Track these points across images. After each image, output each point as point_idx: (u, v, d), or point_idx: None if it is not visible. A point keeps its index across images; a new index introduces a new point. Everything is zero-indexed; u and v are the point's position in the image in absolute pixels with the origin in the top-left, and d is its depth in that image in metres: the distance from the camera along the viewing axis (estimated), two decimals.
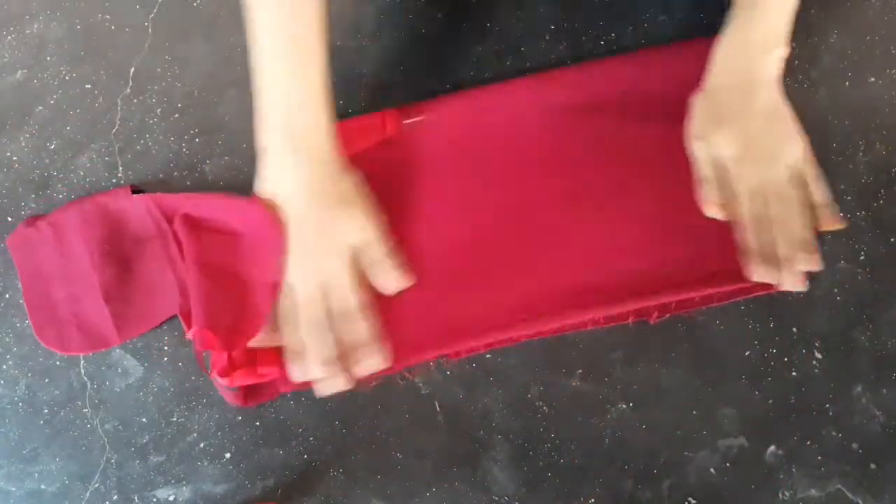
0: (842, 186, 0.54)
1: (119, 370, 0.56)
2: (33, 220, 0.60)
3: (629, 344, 0.53)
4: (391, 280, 0.52)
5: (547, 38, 0.61)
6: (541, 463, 0.52)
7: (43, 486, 0.55)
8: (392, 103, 0.59)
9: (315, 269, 0.50)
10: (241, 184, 0.59)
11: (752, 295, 0.52)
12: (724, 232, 0.52)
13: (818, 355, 0.52)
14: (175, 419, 0.55)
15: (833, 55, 0.57)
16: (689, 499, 0.50)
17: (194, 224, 0.55)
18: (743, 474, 0.50)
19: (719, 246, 0.52)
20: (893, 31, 0.57)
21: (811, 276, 0.52)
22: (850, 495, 0.49)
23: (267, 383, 0.54)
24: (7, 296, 0.59)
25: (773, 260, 0.49)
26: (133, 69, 0.63)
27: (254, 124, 0.59)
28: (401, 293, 0.53)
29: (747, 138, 0.50)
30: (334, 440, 0.53)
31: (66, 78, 0.64)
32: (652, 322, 0.53)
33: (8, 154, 0.63)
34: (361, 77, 0.61)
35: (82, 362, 0.57)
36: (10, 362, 0.58)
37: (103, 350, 0.57)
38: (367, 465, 0.53)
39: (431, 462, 0.52)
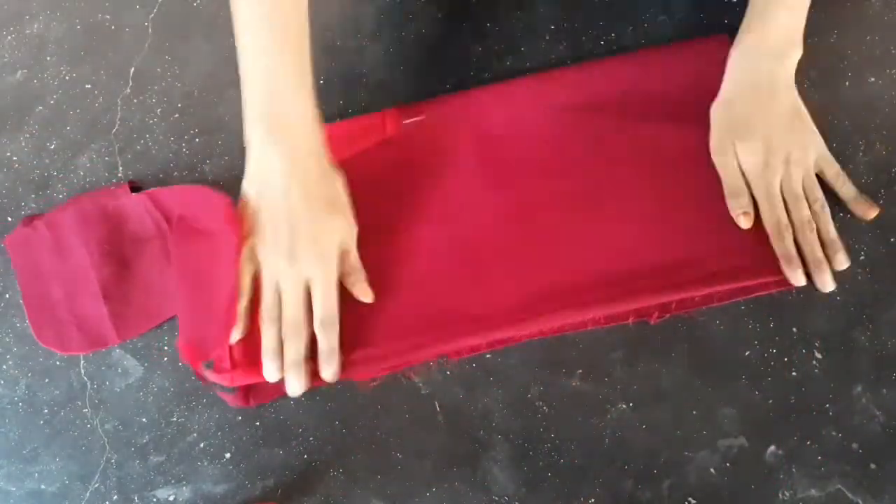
0: None
1: (119, 370, 0.56)
2: (31, 219, 0.60)
3: (629, 344, 0.53)
4: (361, 290, 0.52)
5: (547, 38, 0.61)
6: (541, 463, 0.52)
7: (43, 486, 0.55)
8: (392, 103, 0.59)
9: (299, 269, 0.50)
10: (240, 184, 0.59)
11: (752, 295, 0.52)
12: (724, 231, 0.53)
13: (818, 355, 0.52)
14: (175, 419, 0.55)
15: (833, 55, 0.57)
16: (689, 499, 0.50)
17: (184, 231, 0.55)
18: (743, 474, 0.50)
19: (719, 246, 0.52)
20: (893, 31, 0.57)
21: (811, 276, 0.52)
22: (850, 495, 0.49)
23: (268, 382, 0.54)
24: (7, 296, 0.59)
25: (807, 263, 0.50)
26: (133, 69, 0.64)
27: None
28: (392, 294, 0.53)
29: (769, 146, 0.51)
30: (334, 440, 0.53)
31: (66, 78, 0.64)
32: (652, 322, 0.53)
33: (8, 154, 0.63)
34: (361, 77, 0.61)
35: (82, 362, 0.57)
36: (10, 362, 0.58)
37: (102, 350, 0.57)
38: (367, 465, 0.53)
39: (431, 462, 0.52)
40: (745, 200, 0.52)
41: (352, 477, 0.53)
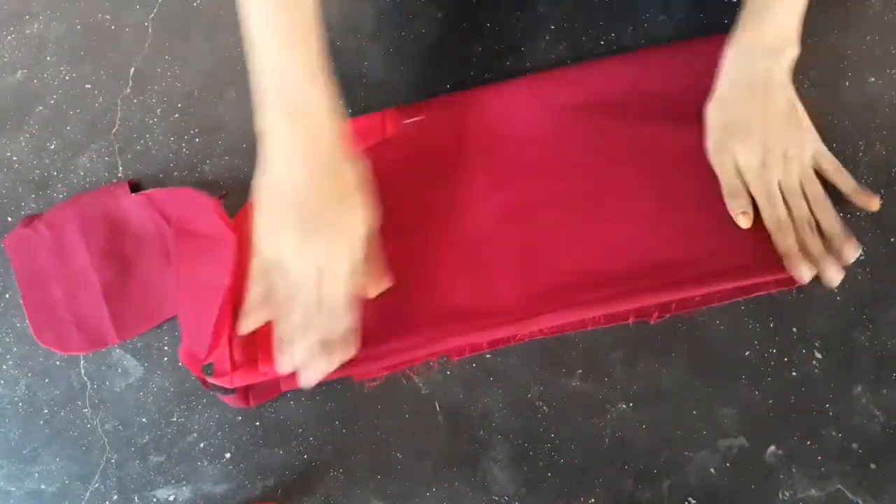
0: None
1: (119, 370, 0.56)
2: (30, 220, 0.60)
3: (629, 344, 0.53)
4: (379, 277, 0.52)
5: (547, 38, 0.61)
6: (541, 463, 0.52)
7: (43, 486, 0.55)
8: (392, 103, 0.59)
9: (315, 254, 0.49)
10: (241, 184, 0.59)
11: (752, 295, 0.52)
12: (723, 231, 0.53)
13: (818, 355, 0.52)
14: (175, 419, 0.55)
15: (833, 55, 0.57)
16: (689, 499, 0.50)
17: (181, 232, 0.55)
18: (743, 474, 0.50)
19: (719, 245, 0.52)
20: (893, 31, 0.57)
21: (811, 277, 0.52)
22: (850, 495, 0.49)
23: (268, 382, 0.54)
24: (7, 296, 0.59)
25: (813, 258, 0.50)
26: (133, 69, 0.64)
27: (254, 124, 0.58)
28: (392, 293, 0.53)
29: (766, 144, 0.51)
30: (334, 440, 0.53)
31: (66, 78, 0.64)
32: (652, 322, 0.53)
33: (8, 154, 0.63)
34: (361, 77, 0.61)
35: (82, 362, 0.57)
36: (10, 362, 0.58)
37: (102, 350, 0.57)
38: (367, 465, 0.53)
39: (431, 462, 0.52)
40: (744, 200, 0.52)
41: (352, 477, 0.53)
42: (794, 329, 0.52)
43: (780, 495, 0.49)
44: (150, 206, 0.57)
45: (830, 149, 0.55)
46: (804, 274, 0.50)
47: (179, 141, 0.61)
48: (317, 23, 0.47)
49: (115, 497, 0.54)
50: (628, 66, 0.58)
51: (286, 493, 0.53)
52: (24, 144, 0.63)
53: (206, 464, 0.54)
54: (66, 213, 0.59)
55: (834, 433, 0.50)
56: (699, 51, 0.57)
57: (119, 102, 0.63)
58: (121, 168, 0.61)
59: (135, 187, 0.60)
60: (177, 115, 0.62)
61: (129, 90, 0.63)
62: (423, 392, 0.54)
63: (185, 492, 0.54)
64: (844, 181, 0.52)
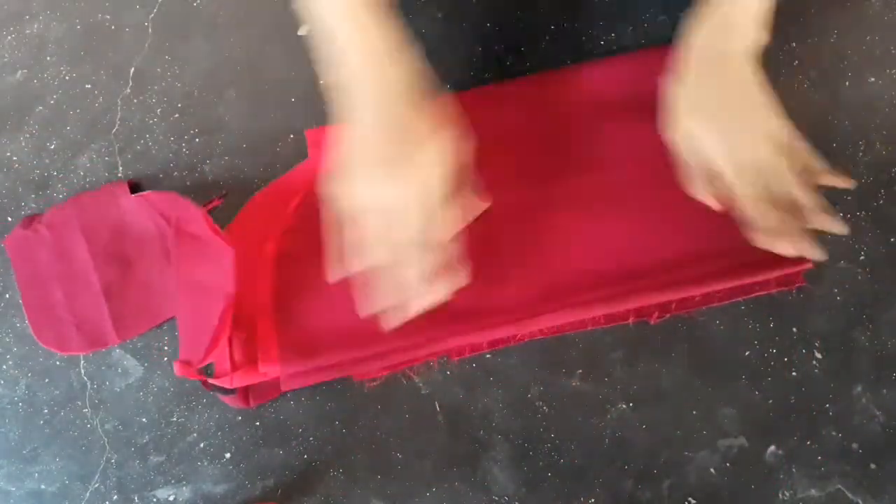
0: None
1: (119, 370, 0.56)
2: (30, 220, 0.60)
3: (629, 344, 0.53)
4: (472, 204, 0.51)
5: (547, 38, 0.61)
6: (541, 463, 0.52)
7: (43, 486, 0.55)
8: None
9: (401, 191, 0.48)
10: (241, 184, 0.59)
11: (752, 295, 0.52)
12: (723, 231, 0.52)
13: (818, 355, 0.52)
14: (175, 419, 0.55)
15: (833, 55, 0.57)
16: (689, 499, 0.50)
17: (180, 233, 0.55)
18: (743, 474, 0.50)
19: (719, 245, 0.52)
20: (893, 31, 0.57)
21: (811, 277, 0.52)
22: (850, 495, 0.49)
23: (268, 382, 0.54)
24: (7, 296, 0.59)
25: (790, 233, 0.48)
26: (133, 69, 0.64)
27: (255, 123, 0.59)
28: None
29: (732, 124, 0.50)
30: (334, 440, 0.53)
31: (66, 78, 0.64)
32: (652, 322, 0.53)
33: (8, 154, 0.63)
34: None
35: (82, 362, 0.57)
36: (10, 362, 0.58)
37: (102, 350, 0.57)
38: (367, 465, 0.53)
39: (431, 462, 0.52)
40: (712, 181, 0.50)
41: (352, 477, 0.53)
42: (794, 329, 0.52)
43: (780, 495, 0.49)
44: (151, 207, 0.57)
45: (830, 149, 0.55)
46: (782, 247, 0.48)
47: (179, 141, 0.61)
48: None
49: (115, 497, 0.54)
50: (628, 66, 0.58)
51: (286, 493, 0.53)
52: (24, 144, 0.63)
53: (206, 464, 0.54)
54: (66, 213, 0.59)
55: (834, 433, 0.50)
56: None
57: (119, 102, 0.63)
58: (121, 168, 0.61)
59: (134, 187, 0.60)
60: (177, 115, 0.62)
61: (129, 90, 0.63)
62: (423, 392, 0.54)
63: (185, 492, 0.54)
64: (812, 160, 0.50)
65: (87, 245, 0.58)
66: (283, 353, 0.53)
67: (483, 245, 0.54)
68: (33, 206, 0.61)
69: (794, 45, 0.57)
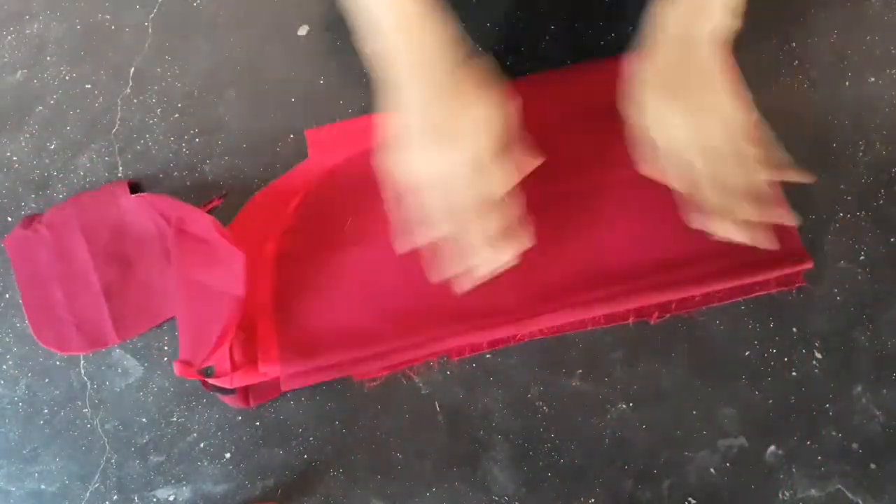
0: (842, 186, 0.54)
1: (119, 370, 0.56)
2: (30, 220, 0.60)
3: (629, 344, 0.53)
4: (523, 162, 0.51)
5: (547, 38, 0.61)
6: (541, 463, 0.52)
7: (43, 486, 0.55)
8: None
9: (452, 154, 0.48)
10: (241, 184, 0.59)
11: (752, 295, 0.52)
12: None
13: (818, 355, 0.52)
14: (175, 419, 0.55)
15: (833, 55, 0.57)
16: (689, 499, 0.50)
17: (184, 233, 0.55)
18: (743, 474, 0.50)
19: (719, 245, 0.52)
20: (893, 31, 0.57)
21: (811, 277, 0.52)
22: (850, 495, 0.49)
23: (268, 382, 0.54)
24: (7, 296, 0.59)
25: (741, 220, 0.48)
26: (133, 69, 0.64)
27: (255, 123, 0.59)
28: (393, 293, 0.53)
29: (693, 106, 0.50)
30: (334, 440, 0.53)
31: (66, 78, 0.64)
32: (652, 322, 0.53)
33: (8, 154, 0.63)
34: (361, 77, 0.61)
35: (82, 362, 0.57)
36: (10, 362, 0.58)
37: (102, 350, 0.57)
38: (367, 465, 0.53)
39: (431, 462, 0.52)
40: (671, 160, 0.50)
41: (352, 477, 0.53)
42: (794, 329, 0.52)
43: (780, 495, 0.49)
44: (151, 207, 0.57)
45: (830, 149, 0.55)
46: (722, 229, 0.48)
47: (179, 141, 0.61)
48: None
49: (115, 497, 0.54)
50: (627, 67, 0.58)
51: (286, 493, 0.53)
52: (24, 144, 0.63)
53: (206, 464, 0.54)
54: (66, 213, 0.59)
55: (834, 433, 0.50)
56: None
57: (119, 102, 0.63)
58: (121, 168, 0.61)
59: (134, 187, 0.60)
60: (177, 115, 0.62)
61: (129, 90, 0.63)
62: (423, 392, 0.54)
63: (185, 492, 0.54)
64: (773, 152, 0.51)
65: (87, 245, 0.58)
66: (283, 353, 0.53)
67: None
68: (33, 206, 0.61)
69: (794, 45, 0.57)
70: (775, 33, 0.58)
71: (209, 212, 0.58)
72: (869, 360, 0.51)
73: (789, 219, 0.49)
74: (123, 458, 0.55)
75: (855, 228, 0.53)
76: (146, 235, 0.58)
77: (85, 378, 0.57)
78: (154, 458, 0.55)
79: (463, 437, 0.53)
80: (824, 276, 0.53)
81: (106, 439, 0.55)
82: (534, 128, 0.57)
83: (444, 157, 0.48)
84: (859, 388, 0.51)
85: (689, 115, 0.49)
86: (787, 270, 0.51)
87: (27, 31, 0.66)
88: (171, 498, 0.54)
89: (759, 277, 0.51)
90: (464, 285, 0.50)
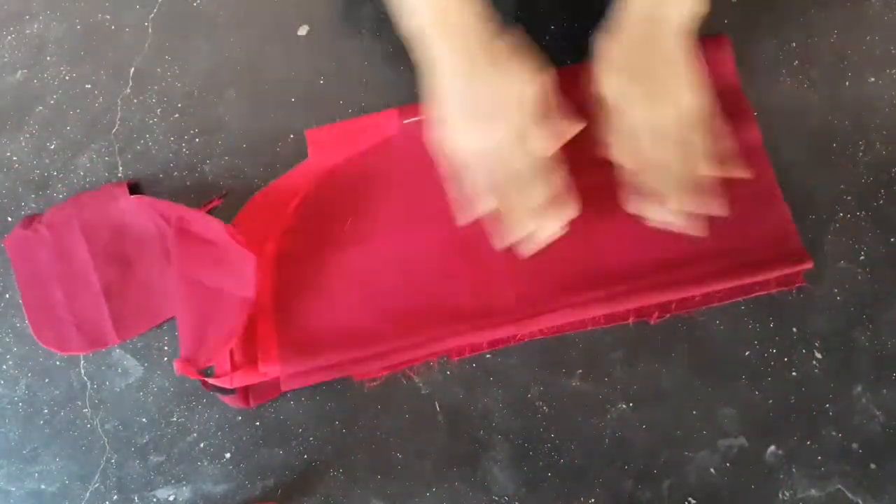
0: (842, 186, 0.54)
1: (119, 370, 0.56)
2: (31, 220, 0.60)
3: (629, 344, 0.53)
4: (561, 130, 0.51)
5: (547, 38, 0.61)
6: (541, 463, 0.52)
7: (43, 486, 0.55)
8: (392, 103, 0.59)
9: (495, 130, 0.50)
10: (241, 184, 0.59)
11: (752, 295, 0.52)
12: (723, 231, 0.53)
13: (818, 355, 0.52)
14: (175, 419, 0.55)
15: (833, 55, 0.57)
16: (689, 499, 0.50)
17: (184, 233, 0.55)
18: (743, 474, 0.50)
19: (718, 245, 0.52)
20: (893, 31, 0.57)
21: (811, 277, 0.52)
22: (850, 495, 0.49)
23: (268, 382, 0.54)
24: (7, 296, 0.59)
25: (673, 201, 0.50)
26: (133, 69, 0.63)
27: (255, 123, 0.59)
28: (393, 293, 0.53)
29: (652, 88, 0.51)
30: (334, 440, 0.53)
31: (66, 78, 0.64)
32: (652, 322, 0.53)
33: (8, 154, 0.63)
34: (361, 77, 0.61)
35: (82, 362, 0.57)
36: (10, 362, 0.58)
37: (102, 350, 0.57)
38: (367, 465, 0.53)
39: (431, 462, 0.52)
40: (623, 140, 0.52)
41: (352, 477, 0.53)
42: (794, 329, 0.52)
43: (780, 495, 0.49)
44: (150, 207, 0.57)
45: (830, 149, 0.55)
46: (650, 211, 0.50)
47: (179, 141, 0.61)
48: None
49: (115, 497, 0.54)
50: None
51: (286, 493, 0.53)
52: (24, 144, 0.63)
53: (206, 464, 0.54)
54: (66, 213, 0.59)
55: (834, 433, 0.50)
56: (699, 50, 0.57)
57: (119, 102, 0.63)
58: (121, 168, 0.61)
59: (134, 188, 0.60)
60: (177, 115, 0.62)
61: (129, 90, 0.63)
62: (423, 392, 0.54)
63: (185, 492, 0.54)
64: (719, 143, 0.52)
65: (87, 245, 0.58)
66: (282, 352, 0.53)
67: (483, 244, 0.55)
68: (33, 206, 0.61)
69: (794, 45, 0.57)
70: (775, 33, 0.58)
71: (209, 212, 0.58)
72: (869, 360, 0.51)
73: (718, 209, 0.50)
74: (123, 458, 0.55)
75: (855, 228, 0.53)
76: (146, 235, 0.58)
77: (85, 378, 0.57)
78: (154, 458, 0.55)
79: (463, 437, 0.53)
80: (824, 276, 0.53)
81: (106, 439, 0.55)
82: None
83: (487, 129, 0.50)
84: (859, 388, 0.51)
85: (645, 98, 0.51)
86: (787, 270, 0.51)
87: (27, 31, 0.66)
88: (171, 498, 0.54)
89: (759, 277, 0.51)
90: (525, 252, 0.51)
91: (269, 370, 0.53)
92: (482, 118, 0.50)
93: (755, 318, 0.52)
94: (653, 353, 0.53)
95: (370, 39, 0.62)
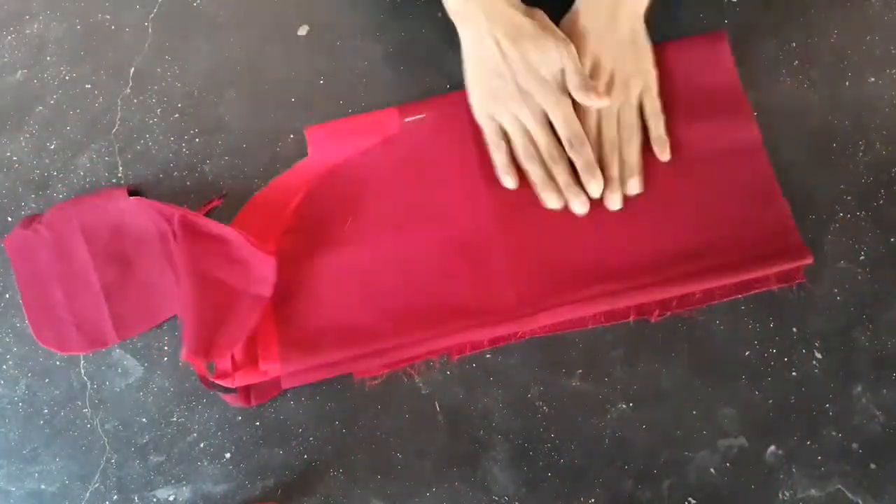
0: (842, 186, 0.54)
1: (119, 370, 0.56)
2: (30, 220, 0.60)
3: (629, 343, 0.53)
4: (590, 102, 0.53)
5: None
6: (541, 463, 0.52)
7: (43, 486, 0.55)
8: (392, 103, 0.59)
9: (532, 102, 0.53)
10: (241, 184, 0.59)
11: (752, 292, 0.52)
12: (723, 227, 0.53)
13: (818, 355, 0.52)
14: (175, 419, 0.55)
15: (833, 55, 0.57)
16: (689, 499, 0.50)
17: (189, 227, 0.55)
18: (743, 474, 0.50)
19: (719, 241, 0.52)
20: (893, 31, 0.57)
21: (811, 277, 0.52)
22: (850, 495, 0.49)
23: (269, 381, 0.54)
24: (7, 296, 0.59)
25: (605, 177, 0.54)
26: (133, 69, 0.63)
27: (255, 123, 0.59)
28: (393, 290, 0.54)
29: (598, 65, 0.54)
30: (334, 440, 0.53)
31: (66, 78, 0.64)
32: (653, 320, 0.53)
33: (8, 154, 0.63)
34: (361, 77, 0.61)
35: (82, 362, 0.57)
36: (10, 362, 0.58)
37: (102, 350, 0.57)
38: (367, 465, 0.53)
39: (431, 462, 0.52)
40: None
41: (352, 477, 0.53)
42: (794, 329, 0.52)
43: (780, 495, 0.49)
44: (150, 207, 0.57)
45: (830, 149, 0.55)
46: (593, 190, 0.53)
47: (179, 141, 0.61)
48: None
49: (115, 497, 0.54)
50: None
51: (286, 493, 0.53)
52: (24, 144, 0.63)
53: (206, 464, 0.54)
54: (66, 213, 0.59)
55: (834, 433, 0.50)
56: (698, 48, 0.57)
57: (119, 102, 0.63)
58: (121, 168, 0.61)
59: (133, 193, 0.59)
60: (177, 115, 0.62)
61: (129, 90, 0.63)
62: (423, 392, 0.54)
63: (185, 492, 0.54)
64: (654, 126, 0.54)
65: (87, 245, 0.58)
66: (283, 350, 0.53)
67: (484, 242, 0.55)
68: (33, 206, 0.61)
69: (794, 45, 0.57)
70: (775, 33, 0.58)
71: (209, 212, 0.58)
72: (869, 360, 0.51)
73: (635, 189, 0.54)
74: (123, 458, 0.55)
75: (855, 228, 0.53)
76: (146, 235, 0.58)
77: (85, 378, 0.57)
78: (154, 458, 0.55)
79: (463, 437, 0.53)
80: (824, 275, 0.53)
81: (106, 439, 0.55)
82: None
83: (526, 100, 0.53)
84: (859, 388, 0.51)
85: (595, 72, 0.54)
86: (787, 266, 0.52)
87: (27, 31, 0.66)
88: (171, 498, 0.54)
89: (759, 273, 0.51)
90: (577, 209, 0.54)
91: (269, 368, 0.53)
92: (510, 96, 0.53)
93: (755, 318, 0.52)
94: (653, 353, 0.53)
95: (370, 39, 0.62)
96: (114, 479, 0.55)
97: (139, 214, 0.58)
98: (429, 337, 0.53)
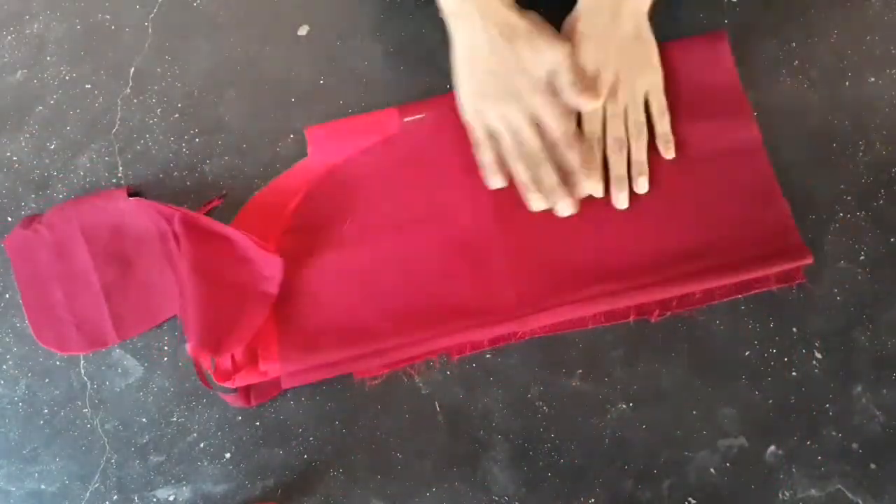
0: (842, 186, 0.54)
1: (119, 370, 0.56)
2: (30, 220, 0.60)
3: (629, 343, 0.53)
4: (580, 103, 0.52)
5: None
6: (541, 463, 0.52)
7: (43, 486, 0.55)
8: (392, 103, 0.59)
9: (522, 103, 0.52)
10: (241, 184, 0.59)
11: (753, 291, 0.52)
12: (724, 226, 0.53)
13: (818, 355, 0.52)
14: (175, 419, 0.55)
15: (833, 55, 0.57)
16: (689, 499, 0.50)
17: (192, 225, 0.55)
18: (743, 474, 0.50)
19: (719, 241, 0.52)
20: (893, 31, 0.57)
21: (811, 276, 0.52)
22: (850, 495, 0.49)
23: (269, 381, 0.54)
24: (7, 296, 0.59)
25: (612, 176, 0.54)
26: (133, 69, 0.64)
27: (255, 123, 0.59)
28: (393, 290, 0.54)
29: (602, 64, 0.53)
30: (334, 440, 0.53)
31: (66, 78, 0.64)
32: (653, 320, 0.53)
33: (8, 154, 0.63)
34: (361, 77, 0.61)
35: (82, 362, 0.57)
36: (10, 362, 0.58)
37: (102, 350, 0.57)
38: (367, 465, 0.53)
39: (431, 462, 0.52)
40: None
41: (352, 477, 0.53)
42: (794, 329, 0.52)
43: (780, 495, 0.49)
44: (150, 207, 0.57)
45: (830, 149, 0.55)
46: (594, 189, 0.53)
47: (179, 141, 0.61)
48: None
49: (115, 497, 0.54)
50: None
51: (286, 493, 0.53)
52: (24, 144, 0.63)
53: (206, 464, 0.54)
54: (66, 213, 0.59)
55: (834, 433, 0.50)
56: (699, 48, 0.57)
57: (119, 102, 0.63)
58: (121, 168, 0.61)
59: (132, 194, 0.59)
60: (177, 115, 0.62)
61: (129, 90, 0.63)
62: (423, 392, 0.54)
63: (185, 492, 0.54)
64: (660, 123, 0.54)
65: (87, 245, 0.58)
66: (283, 350, 0.53)
67: (484, 242, 0.55)
68: (33, 206, 0.61)
69: (794, 45, 0.57)
70: (775, 33, 0.58)
71: (209, 212, 0.58)
72: (869, 360, 0.51)
73: (643, 188, 0.54)
74: (123, 458, 0.55)
75: (855, 228, 0.53)
76: (146, 236, 0.58)
77: (85, 378, 0.57)
78: (154, 458, 0.55)
79: (463, 437, 0.53)
80: (824, 275, 0.53)
81: (106, 439, 0.55)
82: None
83: (516, 100, 0.52)
84: (859, 388, 0.51)
85: (601, 71, 0.53)
86: (787, 266, 0.52)
87: (27, 31, 0.66)
88: (171, 498, 0.54)
89: (759, 273, 0.51)
90: (562, 211, 0.53)
91: (269, 368, 0.53)
92: (500, 96, 0.52)
93: (755, 318, 0.52)
94: (653, 353, 0.53)
95: (370, 39, 0.62)
96: (114, 479, 0.55)
97: (139, 215, 0.58)
98: (429, 337, 0.53)
